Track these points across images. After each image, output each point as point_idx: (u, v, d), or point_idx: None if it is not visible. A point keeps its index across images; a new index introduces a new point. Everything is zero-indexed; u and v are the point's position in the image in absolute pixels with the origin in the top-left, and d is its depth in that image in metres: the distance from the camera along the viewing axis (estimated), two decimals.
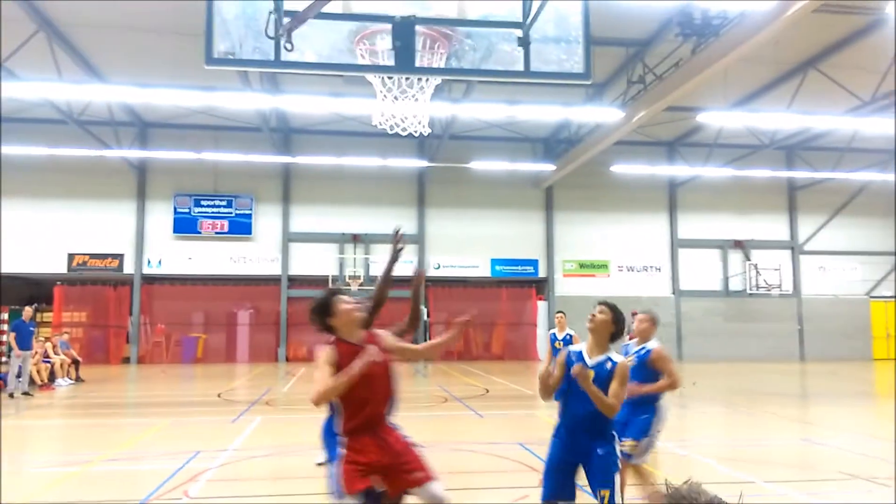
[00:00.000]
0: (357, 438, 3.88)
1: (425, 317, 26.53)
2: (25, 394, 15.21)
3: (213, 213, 27.44)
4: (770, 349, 28.99)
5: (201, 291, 27.80)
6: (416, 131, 5.69)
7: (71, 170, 26.08)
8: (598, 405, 4.00)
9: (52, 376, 17.58)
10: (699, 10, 16.23)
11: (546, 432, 4.53)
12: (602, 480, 4.03)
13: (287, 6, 4.84)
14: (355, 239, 27.97)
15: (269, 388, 17.38)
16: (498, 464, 7.99)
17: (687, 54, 17.05)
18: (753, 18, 13.91)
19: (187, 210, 27.34)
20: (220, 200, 27.53)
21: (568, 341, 10.44)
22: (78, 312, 27.28)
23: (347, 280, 26.98)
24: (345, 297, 4.11)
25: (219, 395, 15.61)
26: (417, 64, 5.11)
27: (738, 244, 30.03)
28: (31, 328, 15.83)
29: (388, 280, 4.99)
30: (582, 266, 29.37)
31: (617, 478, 4.09)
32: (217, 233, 27.42)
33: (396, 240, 4.90)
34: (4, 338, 16.93)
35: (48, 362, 17.67)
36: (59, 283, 26.85)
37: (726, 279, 29.95)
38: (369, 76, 5.51)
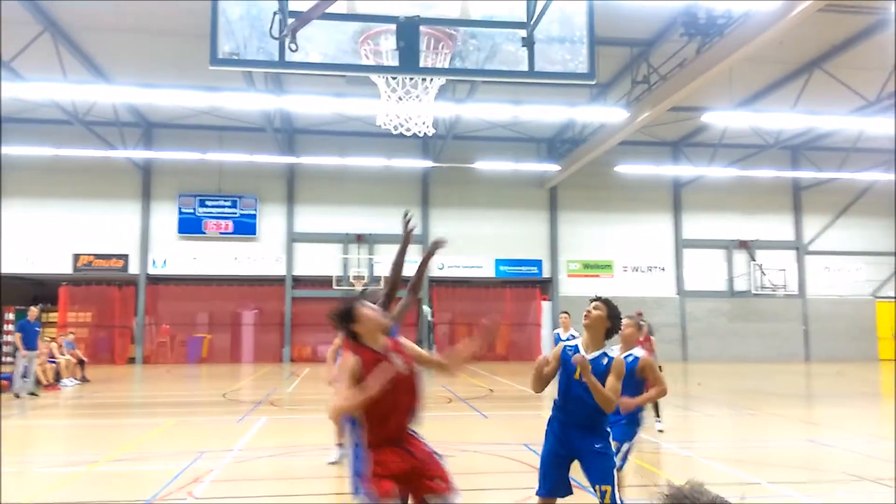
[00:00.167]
0: (380, 451, 3.78)
1: (430, 317, 26.54)
2: (31, 394, 15.26)
3: (217, 213, 27.49)
4: (775, 350, 28.93)
5: (206, 292, 27.86)
6: (420, 131, 5.68)
7: (76, 170, 26.17)
8: (595, 397, 4.00)
9: (57, 376, 17.63)
10: (704, 10, 16.20)
11: None
12: (601, 476, 4.03)
13: (291, 7, 4.84)
14: (359, 239, 27.99)
15: (274, 388, 17.41)
16: (502, 464, 7.98)
17: (691, 54, 17.03)
18: (758, 18, 13.88)
19: (192, 210, 27.40)
20: (225, 201, 27.58)
21: None
22: (83, 313, 27.38)
23: (352, 280, 27.00)
24: (369, 304, 4.02)
25: (224, 396, 15.64)
26: (421, 64, 5.10)
27: (743, 244, 29.96)
28: (37, 328, 15.87)
29: (402, 264, 4.90)
30: (586, 266, 29.35)
31: (616, 475, 4.09)
32: (221, 233, 27.48)
33: (406, 222, 4.84)
34: (10, 338, 16.97)
35: (54, 362, 17.72)
36: (64, 283, 26.94)
37: (731, 279, 29.89)
38: (373, 76, 5.50)
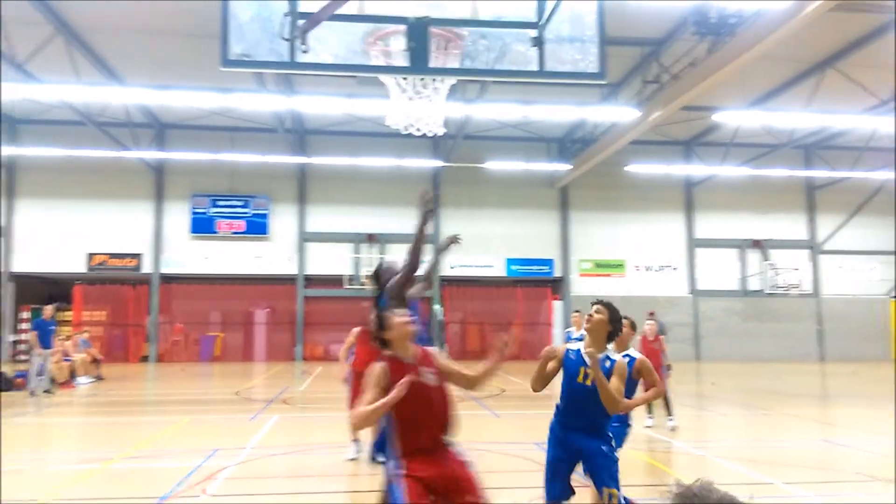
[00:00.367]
0: (413, 460, 3.78)
1: (440, 316, 26.56)
2: (46, 392, 15.39)
3: (229, 213, 27.64)
4: (788, 349, 28.75)
5: (218, 291, 28.03)
6: (430, 132, 5.70)
7: (90, 171, 26.38)
8: (601, 395, 4.01)
9: (72, 374, 17.77)
10: (715, 9, 16.11)
11: None
12: (606, 479, 4.04)
13: (302, 8, 4.87)
14: (370, 238, 28.06)
15: (286, 386, 17.49)
16: (514, 463, 8.00)
17: (703, 53, 16.94)
18: (770, 17, 13.81)
19: (204, 210, 27.56)
20: (237, 201, 27.73)
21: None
22: (97, 311, 27.63)
23: (363, 280, 27.06)
24: (399, 311, 4.04)
25: (236, 394, 15.73)
26: (431, 64, 5.12)
27: (757, 244, 29.79)
28: (52, 327, 16.01)
29: (421, 242, 4.85)
30: (598, 266, 29.27)
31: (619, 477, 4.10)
32: (234, 233, 27.63)
33: (427, 200, 4.77)
34: (26, 336, 17.14)
35: (69, 360, 17.87)
36: (78, 282, 27.17)
37: (744, 279, 29.73)
38: (383, 77, 5.52)
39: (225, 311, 28.93)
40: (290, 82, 20.53)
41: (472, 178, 27.88)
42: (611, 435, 4.25)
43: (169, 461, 8.28)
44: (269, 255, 27.92)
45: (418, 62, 5.04)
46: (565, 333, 11.37)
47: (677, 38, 18.17)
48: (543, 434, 4.41)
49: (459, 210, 28.40)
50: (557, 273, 29.06)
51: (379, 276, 5.28)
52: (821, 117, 20.89)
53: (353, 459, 8.05)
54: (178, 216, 27.56)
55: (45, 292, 27.91)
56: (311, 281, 28.13)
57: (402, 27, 5.03)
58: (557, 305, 28.80)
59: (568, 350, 4.29)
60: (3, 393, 15.38)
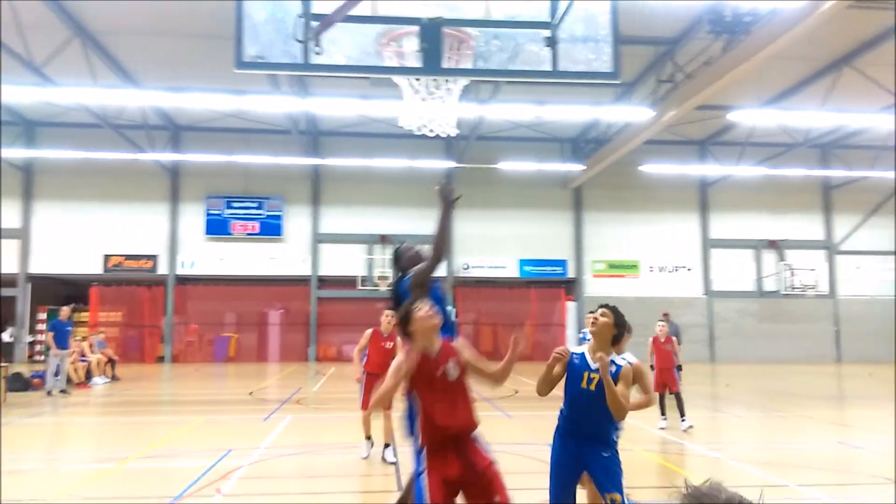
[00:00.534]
0: (437, 453, 3.80)
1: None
2: (63, 392, 15.54)
3: (244, 214, 27.78)
4: (805, 351, 28.50)
5: (233, 292, 28.18)
6: (443, 132, 5.69)
7: (106, 173, 26.60)
8: (609, 400, 3.99)
9: (88, 375, 17.93)
10: (730, 8, 16.00)
11: None
12: (610, 484, 4.03)
13: (315, 9, 4.88)
14: (383, 240, 28.09)
15: (300, 387, 17.54)
16: (527, 464, 7.97)
17: (718, 52, 16.83)
18: (785, 15, 13.69)
19: (219, 212, 27.72)
20: (251, 202, 27.87)
21: None
22: (113, 312, 27.85)
23: (376, 281, 27.12)
24: (422, 305, 4.02)
25: (250, 394, 15.80)
26: (445, 65, 5.12)
27: (772, 244, 29.56)
28: (69, 328, 16.16)
29: (446, 234, 4.69)
30: (612, 266, 29.15)
31: (623, 482, 4.09)
32: (248, 234, 27.76)
33: (445, 192, 4.61)
34: (43, 337, 17.30)
35: (85, 361, 18.03)
36: (95, 283, 27.41)
37: (760, 280, 29.49)
38: (396, 78, 5.53)
39: (239, 312, 29.09)
40: (304, 84, 20.62)
41: (485, 178, 27.86)
42: (615, 439, 4.24)
43: (183, 461, 8.32)
44: (283, 257, 28.03)
45: (431, 63, 5.04)
46: (580, 335, 11.32)
47: (692, 37, 18.07)
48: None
49: (472, 211, 28.34)
50: (571, 274, 28.97)
51: (400, 257, 5.13)
52: (837, 116, 20.70)
53: (365, 458, 8.08)
54: (193, 217, 27.74)
55: (61, 293, 28.19)
56: (324, 282, 28.22)
57: (416, 28, 5.03)
58: (571, 306, 28.71)
59: (573, 354, 4.27)
60: (20, 393, 15.55)
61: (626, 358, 5.11)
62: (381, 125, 25.46)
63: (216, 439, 9.72)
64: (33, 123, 26.39)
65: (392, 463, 7.78)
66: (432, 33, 5.00)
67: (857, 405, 14.82)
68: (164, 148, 26.53)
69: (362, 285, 27.15)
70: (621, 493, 4.01)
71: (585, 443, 4.12)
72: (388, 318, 8.27)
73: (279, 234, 28.01)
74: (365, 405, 8.14)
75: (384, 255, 27.91)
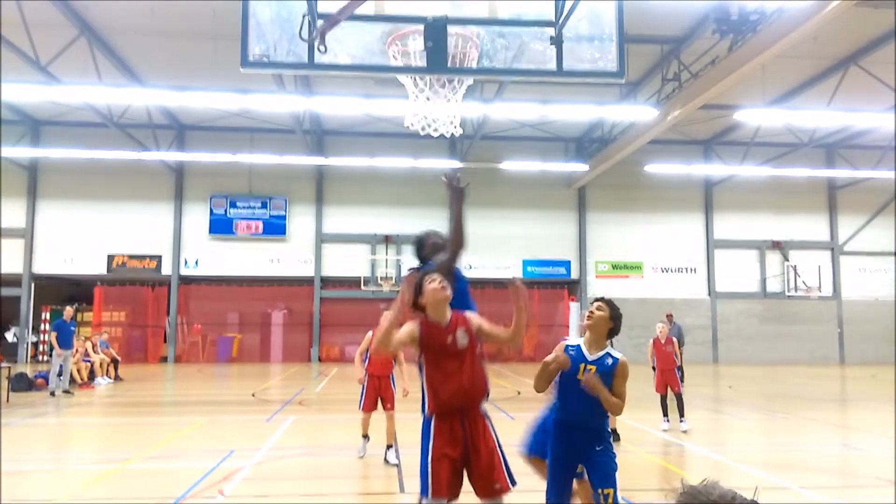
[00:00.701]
0: (443, 423, 3.83)
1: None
2: (66, 392, 15.55)
3: (248, 214, 27.79)
4: (808, 352, 28.43)
5: (236, 292, 28.19)
6: (447, 132, 5.66)
7: (110, 172, 26.63)
8: (605, 406, 4.03)
9: (91, 375, 17.94)
10: (736, 6, 15.93)
11: None
12: (603, 479, 4.03)
13: (320, 9, 4.86)
14: (387, 240, 28.08)
15: (303, 387, 17.54)
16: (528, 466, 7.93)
17: (723, 51, 16.77)
18: (792, 14, 13.63)
19: (223, 211, 27.73)
20: (255, 202, 27.88)
21: None
22: (117, 312, 27.88)
23: (379, 281, 27.10)
24: (433, 276, 4.03)
25: (253, 395, 15.79)
26: (449, 64, 5.09)
27: (777, 245, 29.46)
28: (72, 328, 16.17)
29: (462, 221, 4.54)
30: (615, 267, 29.09)
31: (618, 477, 4.07)
32: (252, 234, 27.77)
33: (453, 181, 4.55)
34: (46, 337, 17.32)
35: (88, 361, 18.04)
36: (98, 283, 27.44)
37: (764, 280, 29.40)
38: (401, 77, 5.50)
39: (242, 313, 29.09)
40: (309, 83, 20.60)
41: (488, 178, 27.78)
42: (609, 433, 4.23)
43: (186, 462, 8.31)
44: (287, 257, 28.02)
45: (436, 62, 5.00)
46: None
47: (698, 36, 18.02)
48: None
49: (476, 210, 28.22)
50: (574, 275, 28.92)
51: (422, 245, 5.04)
52: (843, 116, 20.59)
53: (361, 457, 8.09)
54: (197, 217, 27.75)
55: (65, 293, 28.25)
56: (327, 282, 28.21)
57: (420, 27, 5.00)
58: (574, 307, 28.65)
59: (567, 346, 4.26)
60: (23, 393, 15.57)
61: (614, 355, 5.07)
62: (385, 125, 25.45)
63: (219, 440, 9.71)
64: (39, 122, 26.45)
65: (394, 465, 7.76)
66: (437, 32, 4.97)
67: (859, 407, 14.76)
68: (168, 147, 26.56)
69: (365, 286, 27.13)
70: (614, 487, 4.00)
71: (579, 436, 4.12)
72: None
73: (283, 234, 28.01)
74: (365, 407, 8.13)
75: (388, 256, 27.91)
